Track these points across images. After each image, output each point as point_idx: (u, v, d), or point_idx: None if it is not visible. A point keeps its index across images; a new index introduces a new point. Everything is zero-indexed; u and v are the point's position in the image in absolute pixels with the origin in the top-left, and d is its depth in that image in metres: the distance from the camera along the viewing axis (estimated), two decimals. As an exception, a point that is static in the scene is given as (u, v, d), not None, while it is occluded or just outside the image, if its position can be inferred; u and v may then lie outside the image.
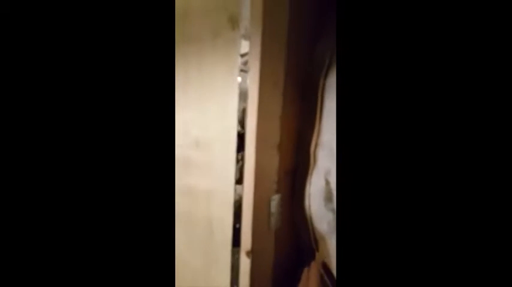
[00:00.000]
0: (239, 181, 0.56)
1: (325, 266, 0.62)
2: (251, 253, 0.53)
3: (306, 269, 0.63)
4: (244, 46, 0.54)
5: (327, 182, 0.56)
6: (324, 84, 0.57)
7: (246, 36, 0.53)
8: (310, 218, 0.61)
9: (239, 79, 0.55)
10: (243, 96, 0.55)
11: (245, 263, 0.54)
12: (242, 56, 0.54)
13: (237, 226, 0.56)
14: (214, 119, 0.60)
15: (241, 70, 0.55)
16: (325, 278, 0.61)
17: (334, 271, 0.60)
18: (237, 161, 0.56)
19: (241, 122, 0.54)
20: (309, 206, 0.61)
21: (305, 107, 0.60)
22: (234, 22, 0.54)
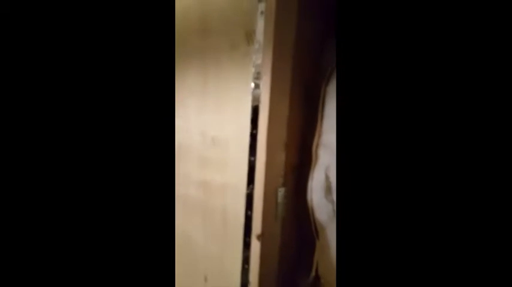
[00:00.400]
0: (251, 175, 0.64)
1: None
2: (261, 237, 0.62)
3: None
4: (258, 58, 0.62)
5: (327, 177, 0.65)
6: (325, 91, 0.65)
7: (259, 50, 0.62)
8: (312, 209, 0.69)
9: (252, 86, 0.64)
10: (255, 101, 0.63)
11: (256, 245, 0.62)
12: (255, 66, 0.63)
13: (249, 213, 0.64)
14: (230, 120, 0.69)
15: (255, 78, 0.63)
16: None
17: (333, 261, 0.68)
18: (250, 157, 0.64)
19: (254, 123, 0.63)
20: (311, 198, 0.69)
21: (308, 111, 0.69)
22: (249, 38, 0.62)
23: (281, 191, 0.66)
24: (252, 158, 0.63)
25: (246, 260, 0.64)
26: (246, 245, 0.64)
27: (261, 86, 0.62)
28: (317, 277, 0.72)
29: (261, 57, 0.61)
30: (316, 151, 0.67)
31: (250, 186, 0.63)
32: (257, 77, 0.63)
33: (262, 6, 0.60)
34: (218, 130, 0.72)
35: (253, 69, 0.63)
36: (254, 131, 0.62)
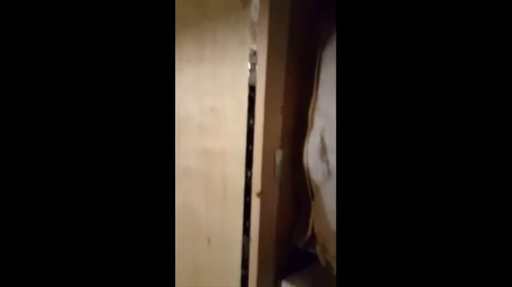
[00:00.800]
0: (250, 137, 0.67)
1: None
2: (260, 194, 0.65)
3: None
4: (254, 22, 0.64)
5: (322, 138, 0.68)
6: (321, 56, 0.68)
7: (255, 14, 0.63)
8: (308, 171, 0.73)
9: (249, 50, 0.66)
10: (252, 65, 0.65)
11: (256, 202, 0.66)
12: (251, 31, 0.64)
13: (249, 174, 0.67)
14: (227, 86, 0.71)
15: (251, 43, 0.65)
16: None
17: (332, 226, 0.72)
18: (248, 120, 0.67)
19: (252, 88, 0.65)
20: (307, 161, 0.73)
21: (304, 76, 0.71)
22: (244, 1, 0.64)
23: (279, 154, 0.69)
24: (251, 121, 0.66)
25: (246, 218, 0.68)
26: (247, 204, 0.68)
27: (257, 50, 0.64)
28: (313, 236, 0.76)
29: (257, 21, 0.63)
30: (311, 116, 0.70)
31: (250, 147, 0.66)
32: (253, 41, 0.65)
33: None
34: (216, 97, 0.74)
35: (249, 34, 0.65)
36: (252, 95, 0.65)
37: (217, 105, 0.74)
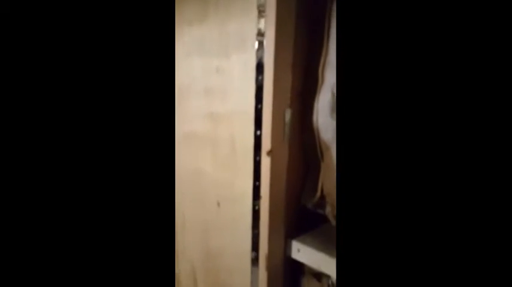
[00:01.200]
0: (258, 96, 0.65)
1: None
2: (270, 152, 0.64)
3: None
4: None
5: (333, 95, 0.67)
6: (331, 9, 0.65)
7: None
8: (317, 129, 0.72)
9: (256, 3, 0.63)
10: (260, 18, 0.62)
11: (266, 161, 0.65)
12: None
13: (258, 133, 0.66)
14: (234, 46, 0.68)
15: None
16: None
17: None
18: (257, 78, 0.65)
19: (260, 44, 0.63)
20: (317, 120, 0.72)
21: (313, 30, 0.69)
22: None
23: (288, 112, 0.68)
24: (260, 78, 0.64)
25: (256, 178, 0.68)
26: (257, 164, 0.67)
27: (266, 5, 0.61)
28: (322, 197, 0.76)
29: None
30: (322, 71, 0.69)
31: (259, 106, 0.65)
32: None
33: None
34: (222, 56, 0.72)
35: (257, -14, 0.62)
36: (260, 50, 0.63)
37: (223, 65, 0.72)
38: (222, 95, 0.74)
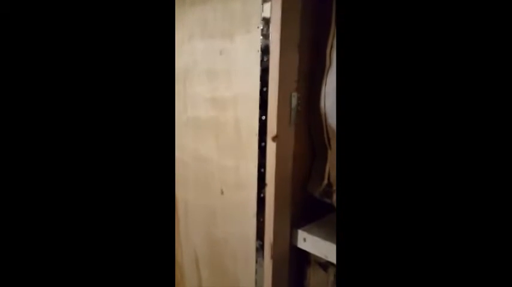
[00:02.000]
0: (264, 79, 0.63)
1: None
2: (276, 138, 0.62)
3: None
4: None
5: (342, 77, 0.63)
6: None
7: None
8: (325, 115, 0.69)
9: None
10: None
11: (271, 146, 0.62)
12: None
13: (263, 118, 0.64)
14: (238, 25, 0.65)
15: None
16: None
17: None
18: (262, 59, 0.62)
19: (266, 21, 0.59)
20: (324, 104, 0.69)
21: (321, 9, 0.65)
22: None
23: (294, 96, 0.65)
24: (265, 59, 0.61)
25: (262, 165, 0.65)
26: (262, 150, 0.65)
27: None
28: (329, 185, 0.74)
29: None
30: (330, 53, 0.65)
31: (264, 89, 0.62)
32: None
33: None
34: (225, 38, 0.68)
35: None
36: (265, 29, 0.59)
37: (227, 47, 0.68)
38: (226, 78, 0.71)
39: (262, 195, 0.67)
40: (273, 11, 0.58)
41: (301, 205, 0.74)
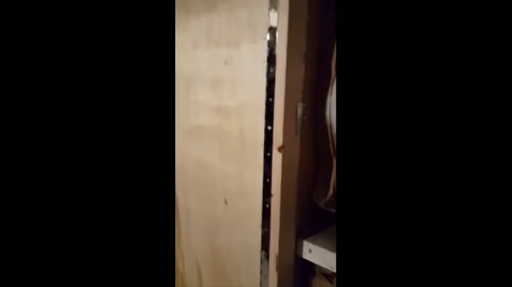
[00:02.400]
0: (270, 89, 0.62)
1: None
2: (282, 148, 0.61)
3: None
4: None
5: (349, 88, 0.63)
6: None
7: None
8: (330, 124, 0.68)
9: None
10: (272, 7, 0.59)
11: (277, 157, 0.62)
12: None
13: (269, 128, 0.63)
14: (243, 33, 0.65)
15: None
16: None
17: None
18: (268, 70, 0.62)
19: (272, 31, 0.59)
20: (330, 114, 0.68)
21: (326, 18, 0.65)
22: None
23: (300, 106, 0.64)
24: (271, 69, 0.60)
25: (267, 175, 0.65)
26: (267, 160, 0.64)
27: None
28: (334, 195, 0.73)
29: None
30: (335, 62, 0.65)
31: (270, 99, 0.62)
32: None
33: None
34: (231, 47, 0.68)
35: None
36: (272, 39, 0.59)
37: (232, 56, 0.68)
38: (231, 87, 0.70)
39: (267, 205, 0.66)
40: (280, 20, 0.57)
41: (306, 215, 0.73)
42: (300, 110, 0.64)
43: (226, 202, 0.76)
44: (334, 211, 0.74)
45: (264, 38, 0.61)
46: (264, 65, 0.62)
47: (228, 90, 0.71)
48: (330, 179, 0.73)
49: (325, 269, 0.72)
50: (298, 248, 0.72)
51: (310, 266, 0.75)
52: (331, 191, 0.73)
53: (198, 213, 0.86)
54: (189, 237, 0.91)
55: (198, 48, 0.76)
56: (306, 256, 0.71)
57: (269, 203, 0.65)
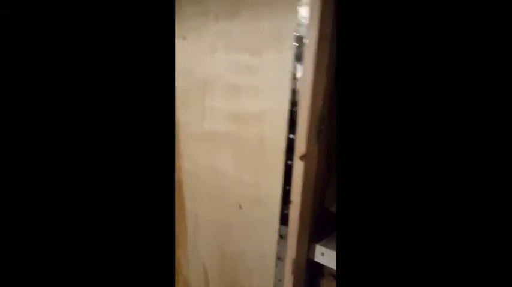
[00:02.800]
0: (293, 100, 0.63)
1: None
2: (304, 157, 0.63)
3: None
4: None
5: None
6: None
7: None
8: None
9: None
10: (303, 16, 0.60)
11: (299, 165, 0.63)
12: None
13: (291, 136, 0.65)
14: (268, 40, 0.66)
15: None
16: None
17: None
18: (292, 81, 0.63)
19: (300, 40, 0.60)
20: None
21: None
22: None
23: (321, 117, 0.66)
24: (296, 80, 0.62)
25: (287, 182, 0.66)
26: (288, 167, 0.66)
27: (309, 5, 0.59)
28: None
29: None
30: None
31: (294, 109, 0.63)
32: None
33: None
34: (253, 54, 0.69)
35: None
36: (299, 49, 0.60)
37: (253, 63, 0.69)
38: (251, 94, 0.71)
39: (285, 211, 0.68)
40: (309, 34, 0.59)
41: (319, 220, 0.76)
42: (320, 120, 0.66)
43: (241, 207, 0.77)
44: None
45: (290, 49, 0.62)
46: (288, 74, 0.63)
47: (247, 97, 0.71)
48: (341, 186, 0.76)
49: (333, 270, 0.75)
50: (310, 252, 0.75)
51: (319, 266, 0.78)
52: (342, 197, 0.77)
53: (207, 218, 0.86)
54: (196, 242, 0.91)
55: (216, 52, 0.76)
56: (319, 259, 0.74)
57: (287, 209, 0.67)
